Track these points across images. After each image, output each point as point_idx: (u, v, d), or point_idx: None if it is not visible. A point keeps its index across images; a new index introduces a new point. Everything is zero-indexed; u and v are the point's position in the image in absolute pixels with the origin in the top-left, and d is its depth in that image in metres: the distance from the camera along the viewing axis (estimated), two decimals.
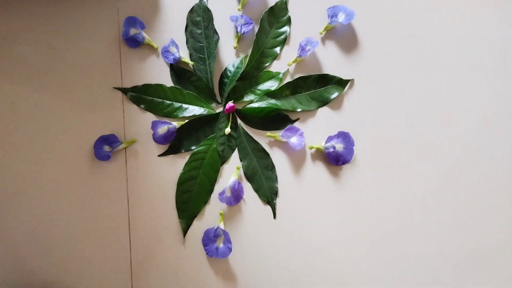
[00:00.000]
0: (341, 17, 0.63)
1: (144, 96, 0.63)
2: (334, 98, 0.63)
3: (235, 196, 0.60)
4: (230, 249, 0.59)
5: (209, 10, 0.65)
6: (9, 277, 0.60)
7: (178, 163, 0.63)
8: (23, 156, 0.62)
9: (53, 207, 0.61)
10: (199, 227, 0.61)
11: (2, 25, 0.63)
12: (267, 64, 0.65)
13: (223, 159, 0.63)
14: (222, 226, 0.60)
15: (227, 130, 0.63)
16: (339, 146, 0.61)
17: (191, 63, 0.64)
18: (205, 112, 0.64)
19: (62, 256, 0.61)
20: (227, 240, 0.59)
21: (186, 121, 0.63)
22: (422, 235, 0.61)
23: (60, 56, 0.64)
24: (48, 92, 0.63)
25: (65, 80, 0.63)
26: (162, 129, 0.61)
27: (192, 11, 0.65)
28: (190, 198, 0.61)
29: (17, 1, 0.64)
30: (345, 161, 0.61)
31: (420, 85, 0.64)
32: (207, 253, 0.59)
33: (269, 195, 0.62)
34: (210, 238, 0.59)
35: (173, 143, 0.63)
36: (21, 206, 0.61)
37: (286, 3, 0.65)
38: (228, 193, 0.60)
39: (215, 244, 0.59)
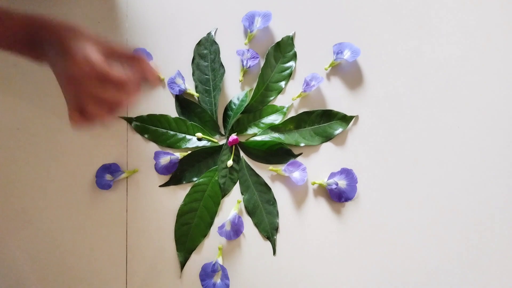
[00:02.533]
0: (346, 54, 0.64)
1: (148, 126, 0.64)
2: (338, 134, 0.63)
3: (235, 230, 0.59)
4: (227, 286, 0.58)
5: (216, 44, 0.66)
6: None
7: (179, 194, 0.62)
8: (26, 181, 0.62)
9: (52, 232, 0.61)
10: (197, 261, 0.60)
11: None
12: (271, 98, 0.65)
13: (224, 192, 0.62)
14: (220, 261, 0.59)
15: (229, 162, 0.62)
16: (342, 183, 0.60)
17: (196, 94, 0.65)
18: (208, 144, 0.64)
19: (58, 282, 0.60)
20: (225, 276, 0.58)
21: (189, 152, 0.63)
22: (425, 275, 0.59)
23: None
24: (54, 118, 0.63)
25: None
26: (165, 160, 0.61)
27: (199, 44, 0.66)
28: (189, 231, 0.61)
29: None
30: (347, 198, 0.60)
31: (425, 123, 0.63)
32: None
33: (269, 231, 0.61)
34: (207, 273, 0.58)
35: (175, 174, 0.63)
36: (21, 230, 0.61)
37: (292, 39, 0.66)
38: (228, 227, 0.59)
39: (213, 280, 0.58)
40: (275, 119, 0.64)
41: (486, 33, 0.66)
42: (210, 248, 0.61)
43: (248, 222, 0.61)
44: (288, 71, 0.65)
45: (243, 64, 0.65)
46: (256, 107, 0.65)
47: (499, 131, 0.63)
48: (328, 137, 0.63)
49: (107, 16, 0.67)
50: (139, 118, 0.64)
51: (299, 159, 0.63)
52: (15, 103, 0.64)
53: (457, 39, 0.66)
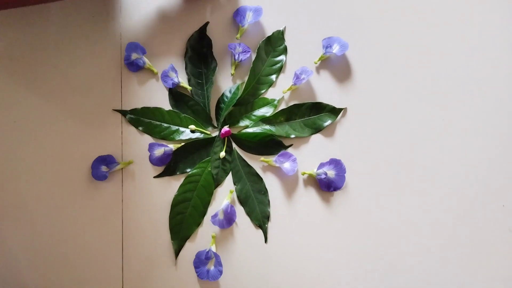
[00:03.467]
0: (335, 48, 0.66)
1: (142, 118, 0.65)
2: (327, 125, 0.65)
3: (228, 219, 0.61)
4: (220, 272, 0.60)
5: (208, 38, 0.67)
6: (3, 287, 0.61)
7: (173, 185, 0.64)
8: (22, 173, 0.63)
9: (49, 223, 0.62)
10: (191, 249, 0.62)
11: (8, 45, 0.66)
12: (262, 91, 0.67)
13: (217, 182, 0.64)
14: (213, 248, 0.61)
15: (222, 154, 0.64)
16: (331, 173, 0.62)
17: (189, 88, 0.66)
18: (201, 136, 0.65)
19: (54, 272, 0.61)
20: (218, 263, 0.60)
21: (182, 144, 0.65)
22: (413, 262, 0.62)
23: (63, 77, 0.66)
24: (50, 111, 0.65)
25: (67, 100, 0.65)
26: (159, 151, 0.63)
27: (192, 38, 0.67)
28: (183, 220, 0.63)
29: (23, 22, 0.66)
30: (336, 188, 0.63)
31: (412, 115, 0.65)
32: (198, 276, 0.60)
33: (261, 219, 0.63)
34: (201, 260, 0.60)
35: (169, 165, 0.64)
36: (18, 221, 0.62)
37: (283, 33, 0.68)
38: (220, 216, 0.61)
39: (206, 267, 0.60)
40: (266, 111, 0.66)
41: (476, 26, 0.68)
42: (204, 236, 0.63)
43: (240, 211, 0.63)
44: (278, 65, 0.67)
45: (234, 58, 0.66)
46: (247, 100, 0.66)
47: (486, 123, 0.65)
48: (317, 129, 0.65)
49: (101, 10, 0.68)
50: (133, 111, 0.65)
51: (289, 150, 0.65)
52: (11, 96, 0.65)
53: (445, 32, 0.68)
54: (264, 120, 0.66)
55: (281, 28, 0.68)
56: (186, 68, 0.67)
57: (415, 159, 0.64)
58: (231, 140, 0.66)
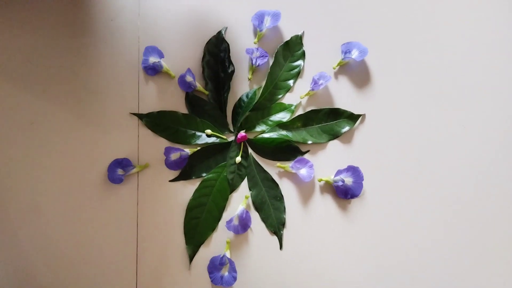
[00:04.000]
0: (354, 54, 0.65)
1: (159, 122, 0.65)
2: (345, 132, 0.64)
3: (243, 225, 0.61)
4: (235, 278, 0.59)
5: (226, 42, 0.67)
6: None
7: (188, 189, 0.64)
8: (38, 174, 0.64)
9: (64, 226, 0.63)
10: (205, 254, 0.62)
11: (27, 47, 0.66)
12: (280, 96, 0.66)
13: (233, 188, 0.64)
14: (228, 254, 0.60)
15: (238, 158, 0.64)
16: (348, 180, 0.61)
17: (206, 92, 0.66)
18: (217, 141, 0.65)
19: (69, 275, 0.62)
20: (233, 269, 0.59)
21: (199, 148, 0.64)
22: (430, 271, 0.60)
23: (80, 80, 0.66)
24: (67, 114, 0.65)
25: (84, 103, 0.66)
26: (175, 155, 0.63)
27: (209, 42, 0.67)
28: (198, 225, 0.62)
29: (40, 25, 0.67)
30: (353, 195, 0.62)
31: (431, 123, 0.64)
32: (212, 281, 0.59)
33: (276, 226, 0.62)
34: (215, 266, 0.59)
35: (185, 170, 0.64)
36: (34, 223, 0.63)
37: (301, 38, 0.67)
38: (235, 222, 0.60)
39: (220, 273, 0.59)
40: (283, 116, 0.65)
41: (495, 32, 0.66)
42: (218, 242, 0.62)
43: (255, 217, 0.62)
44: (296, 70, 0.67)
45: (252, 63, 0.66)
46: (264, 105, 0.66)
47: (505, 131, 0.63)
48: (335, 135, 0.64)
49: (119, 14, 0.68)
50: (150, 115, 0.65)
51: (306, 156, 0.64)
52: (28, 98, 0.66)
53: (466, 38, 0.66)
54: (281, 125, 0.65)
55: (300, 33, 0.67)
56: (203, 72, 0.67)
57: (434, 167, 0.63)
58: (247, 145, 0.65)
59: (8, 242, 0.62)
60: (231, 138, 0.66)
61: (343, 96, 0.66)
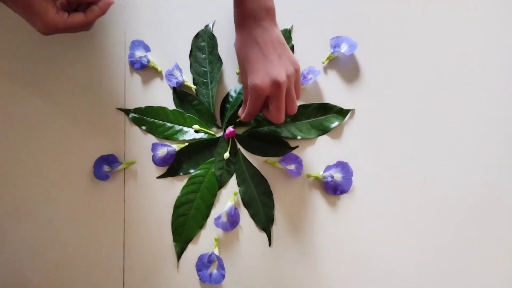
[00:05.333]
0: (343, 48, 0.64)
1: (146, 118, 0.64)
2: (334, 127, 0.63)
3: (231, 222, 0.60)
4: (223, 276, 0.58)
5: (214, 36, 0.66)
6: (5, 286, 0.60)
7: (176, 186, 0.63)
8: (24, 172, 0.62)
9: (50, 223, 0.62)
10: (193, 251, 0.61)
11: (11, 42, 0.65)
12: None
13: (221, 184, 0.63)
14: (216, 252, 0.59)
15: (226, 154, 0.63)
16: (338, 176, 0.61)
17: (193, 87, 0.65)
18: (205, 136, 0.64)
19: (56, 272, 0.61)
20: (221, 267, 0.59)
21: (186, 144, 0.63)
22: (421, 268, 0.60)
23: (66, 75, 0.65)
24: (53, 109, 0.64)
25: (69, 98, 0.64)
26: (162, 151, 0.62)
27: (197, 36, 0.66)
28: (186, 222, 0.61)
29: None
30: (343, 191, 0.61)
31: (421, 117, 0.64)
32: (200, 279, 0.59)
33: (265, 222, 0.61)
34: (204, 263, 0.59)
35: (172, 166, 0.63)
36: (20, 220, 0.62)
37: (290, 32, 0.66)
38: (224, 219, 0.60)
39: (209, 270, 0.59)
40: None
41: (487, 28, 0.66)
42: (207, 239, 0.61)
43: (244, 214, 0.62)
44: None
45: None
46: None
47: (495, 127, 0.63)
48: (324, 130, 0.64)
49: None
50: (137, 110, 0.64)
51: (295, 152, 0.63)
52: (14, 94, 0.64)
53: (458, 32, 0.66)
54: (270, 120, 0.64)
55: (288, 27, 0.66)
56: (190, 67, 0.66)
57: (424, 162, 0.63)
58: (236, 140, 0.64)
59: None
60: (219, 133, 0.65)
61: (333, 91, 0.65)
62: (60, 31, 0.54)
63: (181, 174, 0.63)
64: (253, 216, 0.62)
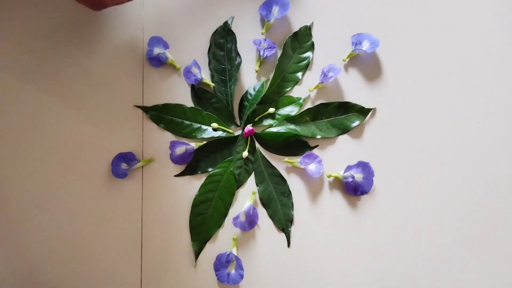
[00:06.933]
0: (365, 45, 0.63)
1: (164, 115, 0.64)
2: (355, 126, 0.62)
3: (250, 221, 0.59)
4: (241, 276, 0.58)
5: (232, 33, 0.65)
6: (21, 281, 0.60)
7: (194, 184, 0.62)
8: (42, 168, 0.62)
9: (68, 220, 0.61)
10: (211, 251, 0.60)
11: (30, 39, 0.65)
12: (288, 89, 0.64)
13: (239, 183, 0.62)
14: (234, 251, 0.59)
15: (245, 153, 0.62)
16: (358, 176, 0.60)
17: (212, 84, 0.64)
18: (224, 135, 0.63)
19: (72, 271, 0.61)
20: (239, 267, 0.58)
21: (204, 142, 0.63)
22: (441, 269, 0.59)
23: (83, 71, 0.64)
24: (70, 107, 0.64)
25: (87, 95, 0.64)
26: (180, 150, 0.61)
27: (216, 33, 0.65)
28: (204, 221, 0.61)
29: (43, 14, 0.65)
30: (363, 192, 0.60)
31: (444, 117, 0.62)
32: (218, 279, 0.58)
33: (284, 222, 0.61)
34: (222, 263, 0.58)
35: (190, 164, 0.62)
36: (37, 218, 0.62)
37: (310, 29, 0.65)
38: (242, 218, 0.59)
39: (227, 270, 0.58)
40: (291, 110, 0.64)
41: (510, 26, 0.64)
42: (225, 238, 0.61)
43: (262, 214, 0.61)
44: (305, 62, 0.65)
45: (259, 54, 0.64)
46: (272, 98, 0.64)
47: None
48: (345, 130, 0.62)
49: (124, 4, 0.66)
50: (155, 108, 0.64)
51: (315, 151, 0.62)
52: (31, 90, 0.64)
53: (480, 32, 0.64)
54: (289, 119, 0.63)
55: (309, 24, 0.65)
56: (209, 64, 0.65)
57: (447, 163, 0.61)
58: (254, 139, 0.64)
59: (10, 238, 0.61)
60: (237, 132, 0.64)
61: (353, 89, 0.64)
62: (109, 4, 0.57)
63: (199, 172, 0.62)
64: (271, 216, 0.61)
